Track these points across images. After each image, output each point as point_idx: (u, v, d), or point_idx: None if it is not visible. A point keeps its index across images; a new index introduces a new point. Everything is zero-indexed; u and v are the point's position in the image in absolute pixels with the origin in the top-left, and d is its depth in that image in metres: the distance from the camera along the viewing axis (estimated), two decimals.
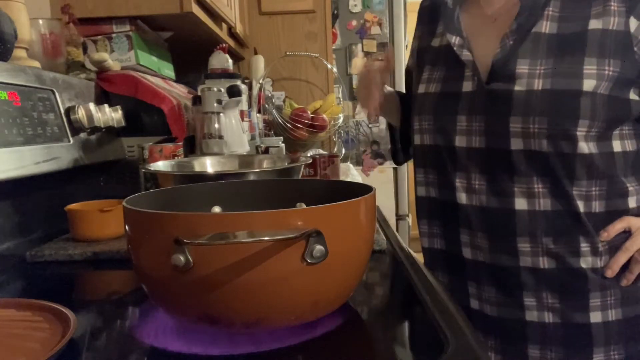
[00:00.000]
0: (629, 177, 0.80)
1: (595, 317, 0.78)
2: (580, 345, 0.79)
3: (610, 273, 0.79)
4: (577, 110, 0.73)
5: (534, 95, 0.75)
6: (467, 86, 0.82)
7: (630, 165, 0.80)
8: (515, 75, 0.76)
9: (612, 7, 0.74)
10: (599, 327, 0.78)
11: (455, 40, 0.84)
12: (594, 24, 0.74)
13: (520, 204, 0.78)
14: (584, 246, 0.78)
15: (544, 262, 0.79)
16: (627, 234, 0.79)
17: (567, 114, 0.73)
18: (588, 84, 0.73)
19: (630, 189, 0.80)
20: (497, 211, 0.80)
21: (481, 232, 0.82)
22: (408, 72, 1.04)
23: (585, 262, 0.78)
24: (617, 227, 0.78)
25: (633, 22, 0.73)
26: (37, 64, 1.04)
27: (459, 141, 0.83)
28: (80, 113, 1.06)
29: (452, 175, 0.85)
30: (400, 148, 1.08)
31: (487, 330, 0.85)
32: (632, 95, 0.76)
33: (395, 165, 2.38)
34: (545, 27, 0.77)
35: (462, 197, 0.83)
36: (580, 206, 0.77)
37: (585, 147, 0.75)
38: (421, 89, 0.90)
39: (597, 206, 0.78)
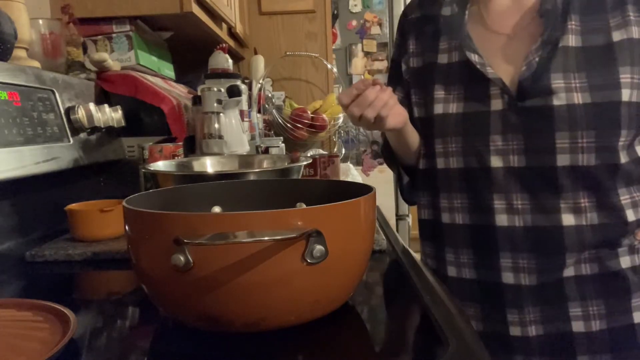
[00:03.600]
0: None
1: (638, 317, 0.79)
2: (628, 348, 0.79)
3: None
4: (619, 121, 0.74)
5: (576, 109, 0.74)
6: (497, 104, 0.80)
7: None
8: (552, 90, 0.75)
9: (631, 17, 0.75)
10: None
11: (475, 58, 0.81)
12: (618, 35, 0.75)
13: (568, 219, 0.77)
14: (624, 248, 0.79)
15: (587, 269, 0.79)
16: None
17: (611, 126, 0.75)
18: (625, 94, 0.74)
19: None
20: (544, 229, 0.78)
21: (527, 253, 0.80)
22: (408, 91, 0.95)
23: (625, 262, 0.79)
24: None
25: None
26: (37, 64, 1.04)
27: (495, 161, 0.80)
28: (80, 113, 1.06)
29: (487, 197, 0.81)
30: (408, 182, 0.98)
31: (531, 353, 0.82)
32: None
33: None
34: (571, 40, 0.76)
35: (503, 219, 0.80)
36: (630, 215, 0.78)
37: (622, 156, 0.76)
38: (438, 109, 0.85)
39: (638, 213, 0.79)
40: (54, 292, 0.69)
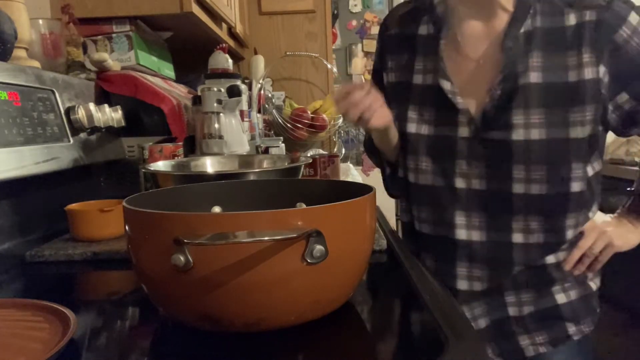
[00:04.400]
0: (596, 197, 0.89)
1: (560, 298, 0.90)
2: (557, 324, 0.90)
3: (568, 267, 0.89)
4: (569, 156, 0.81)
5: (531, 145, 0.81)
6: (463, 132, 0.86)
7: (597, 183, 0.89)
8: (512, 125, 0.81)
9: (586, 59, 0.79)
10: (566, 306, 0.90)
11: (448, 86, 0.86)
12: (574, 76, 0.80)
13: (517, 238, 0.86)
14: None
15: (522, 270, 0.88)
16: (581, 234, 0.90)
17: (562, 160, 0.82)
18: (575, 132, 0.80)
19: (596, 206, 0.90)
20: (496, 245, 0.87)
21: (480, 264, 0.88)
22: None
23: (550, 259, 0.88)
24: None
25: (601, 69, 0.79)
26: (37, 64, 1.04)
27: (459, 183, 0.87)
28: (80, 113, 1.06)
29: (450, 213, 0.88)
30: (389, 174, 1.02)
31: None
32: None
33: None
34: (533, 77, 0.81)
35: (462, 234, 0.88)
36: (569, 234, 0.86)
37: (574, 186, 0.83)
38: (411, 128, 0.90)
39: (573, 233, 0.87)
40: (54, 292, 0.69)
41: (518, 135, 0.81)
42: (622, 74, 0.80)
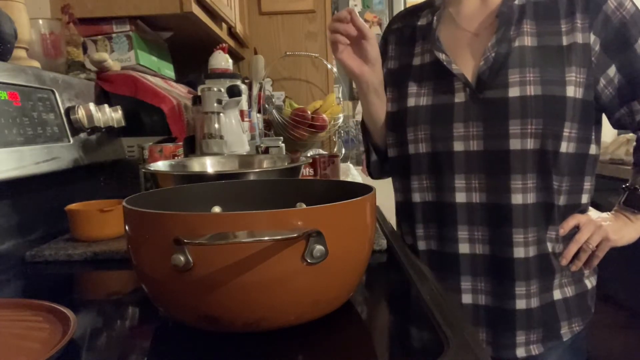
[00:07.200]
0: (587, 176, 0.91)
1: (556, 294, 0.90)
2: (550, 322, 0.90)
3: (564, 261, 0.90)
4: (563, 113, 0.84)
5: (528, 100, 0.84)
6: (460, 97, 0.90)
7: (591, 165, 0.91)
8: (509, 83, 0.85)
9: (578, 24, 0.85)
10: (560, 303, 0.91)
11: (443, 57, 0.92)
12: (568, 39, 0.86)
13: (516, 199, 0.87)
14: (552, 234, 0.89)
15: (529, 252, 0.88)
16: (577, 228, 0.91)
17: (556, 116, 0.84)
18: (570, 90, 0.84)
19: (586, 186, 0.91)
20: (495, 206, 0.88)
21: (481, 227, 0.90)
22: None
23: (551, 248, 0.89)
24: (570, 223, 0.90)
25: (592, 36, 0.85)
26: (37, 64, 1.04)
27: (457, 146, 0.90)
28: (80, 113, 1.06)
29: (450, 178, 0.91)
30: (377, 160, 1.11)
31: (478, 321, 0.91)
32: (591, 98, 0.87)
33: None
34: (527, 41, 0.87)
35: (462, 197, 0.90)
36: (554, 199, 0.88)
37: (564, 146, 0.86)
38: (411, 102, 0.95)
39: (562, 199, 0.89)
40: (54, 292, 0.69)
41: (514, 92, 0.85)
42: (611, 45, 0.85)
